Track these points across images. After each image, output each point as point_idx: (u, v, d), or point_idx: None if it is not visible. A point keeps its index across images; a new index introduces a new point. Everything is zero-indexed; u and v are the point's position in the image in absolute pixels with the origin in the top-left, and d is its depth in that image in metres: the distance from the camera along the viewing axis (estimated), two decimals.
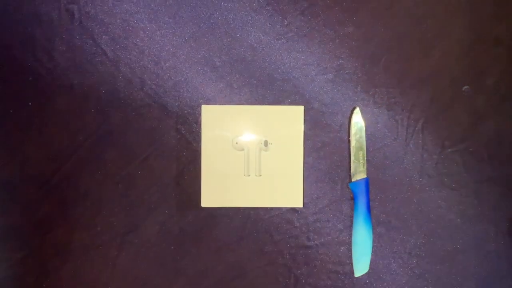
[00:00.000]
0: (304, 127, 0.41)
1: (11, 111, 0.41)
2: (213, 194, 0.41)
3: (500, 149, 0.42)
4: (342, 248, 0.41)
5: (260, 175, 0.42)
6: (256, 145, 0.42)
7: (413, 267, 0.41)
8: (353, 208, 0.41)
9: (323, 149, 0.41)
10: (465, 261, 0.42)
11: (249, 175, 0.42)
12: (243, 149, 0.42)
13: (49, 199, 0.41)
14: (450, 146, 0.41)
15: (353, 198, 0.41)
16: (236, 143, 0.42)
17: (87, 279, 0.41)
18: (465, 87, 0.42)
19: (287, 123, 0.41)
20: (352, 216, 0.41)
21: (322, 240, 0.41)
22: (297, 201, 0.42)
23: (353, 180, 0.41)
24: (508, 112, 0.42)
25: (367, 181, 0.41)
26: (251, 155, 0.42)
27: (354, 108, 0.41)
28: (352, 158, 0.41)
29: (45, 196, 0.41)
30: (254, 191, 0.42)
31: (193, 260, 0.42)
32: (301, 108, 0.41)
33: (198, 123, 0.41)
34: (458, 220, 0.41)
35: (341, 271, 0.41)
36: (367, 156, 0.41)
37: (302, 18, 0.41)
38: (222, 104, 0.41)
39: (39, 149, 0.41)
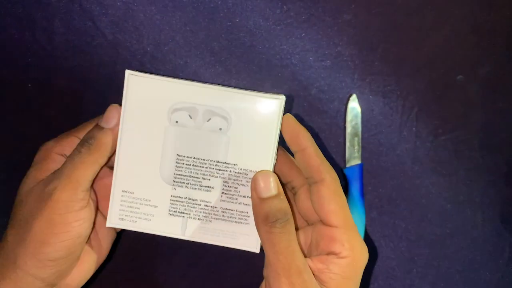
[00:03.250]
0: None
1: (10, 92, 0.41)
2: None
3: (490, 138, 0.43)
4: None
5: None
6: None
7: (403, 251, 0.43)
8: (347, 192, 0.42)
9: (320, 135, 0.42)
10: (453, 245, 0.43)
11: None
12: None
13: None
14: (442, 134, 0.42)
15: (347, 183, 0.42)
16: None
17: None
18: (459, 76, 0.42)
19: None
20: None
21: None
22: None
23: (347, 165, 0.42)
24: (499, 103, 0.43)
25: (361, 167, 0.42)
26: None
27: (350, 95, 0.42)
28: (347, 144, 0.42)
29: None
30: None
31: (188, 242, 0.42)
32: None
33: None
34: (448, 206, 0.43)
35: None
36: (362, 143, 0.42)
37: (301, 4, 0.41)
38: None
39: (38, 130, 0.41)
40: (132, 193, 0.32)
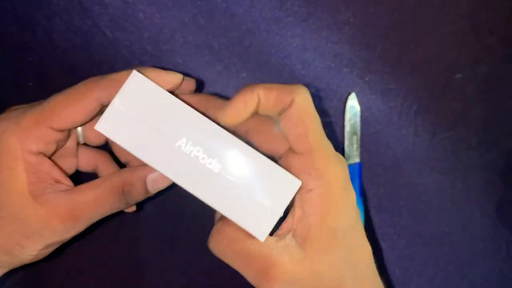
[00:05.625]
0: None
1: (10, 91, 0.41)
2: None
3: (488, 136, 0.43)
4: None
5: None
6: None
7: (402, 248, 0.43)
8: None
9: None
10: (451, 243, 0.43)
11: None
12: None
13: None
14: (441, 132, 0.43)
15: None
16: None
17: (86, 255, 0.42)
18: (458, 75, 0.43)
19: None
20: None
21: None
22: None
23: (346, 164, 0.42)
24: (497, 101, 0.43)
25: (360, 166, 0.42)
26: None
27: (349, 94, 0.42)
28: (346, 143, 0.42)
29: None
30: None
31: (189, 241, 0.43)
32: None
33: None
34: (447, 204, 0.43)
35: None
36: (360, 141, 0.42)
37: (300, 3, 0.41)
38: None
39: None
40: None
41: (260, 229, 0.26)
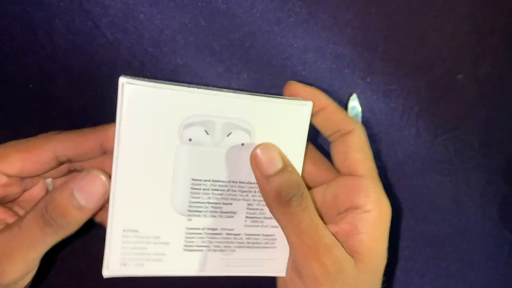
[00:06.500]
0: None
1: (11, 92, 0.41)
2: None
3: (489, 137, 0.43)
4: None
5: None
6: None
7: (403, 249, 0.43)
8: None
9: (320, 135, 0.42)
10: (453, 244, 0.43)
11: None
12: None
13: None
14: (442, 133, 0.43)
15: None
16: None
17: (87, 258, 0.42)
18: (459, 76, 0.42)
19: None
20: None
21: None
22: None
23: None
24: (499, 102, 0.43)
25: None
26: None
27: (351, 95, 0.42)
28: None
29: None
30: None
31: None
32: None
33: None
34: (448, 205, 0.43)
35: None
36: None
37: (301, 4, 0.41)
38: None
39: (39, 131, 0.41)
40: (136, 231, 0.26)
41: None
